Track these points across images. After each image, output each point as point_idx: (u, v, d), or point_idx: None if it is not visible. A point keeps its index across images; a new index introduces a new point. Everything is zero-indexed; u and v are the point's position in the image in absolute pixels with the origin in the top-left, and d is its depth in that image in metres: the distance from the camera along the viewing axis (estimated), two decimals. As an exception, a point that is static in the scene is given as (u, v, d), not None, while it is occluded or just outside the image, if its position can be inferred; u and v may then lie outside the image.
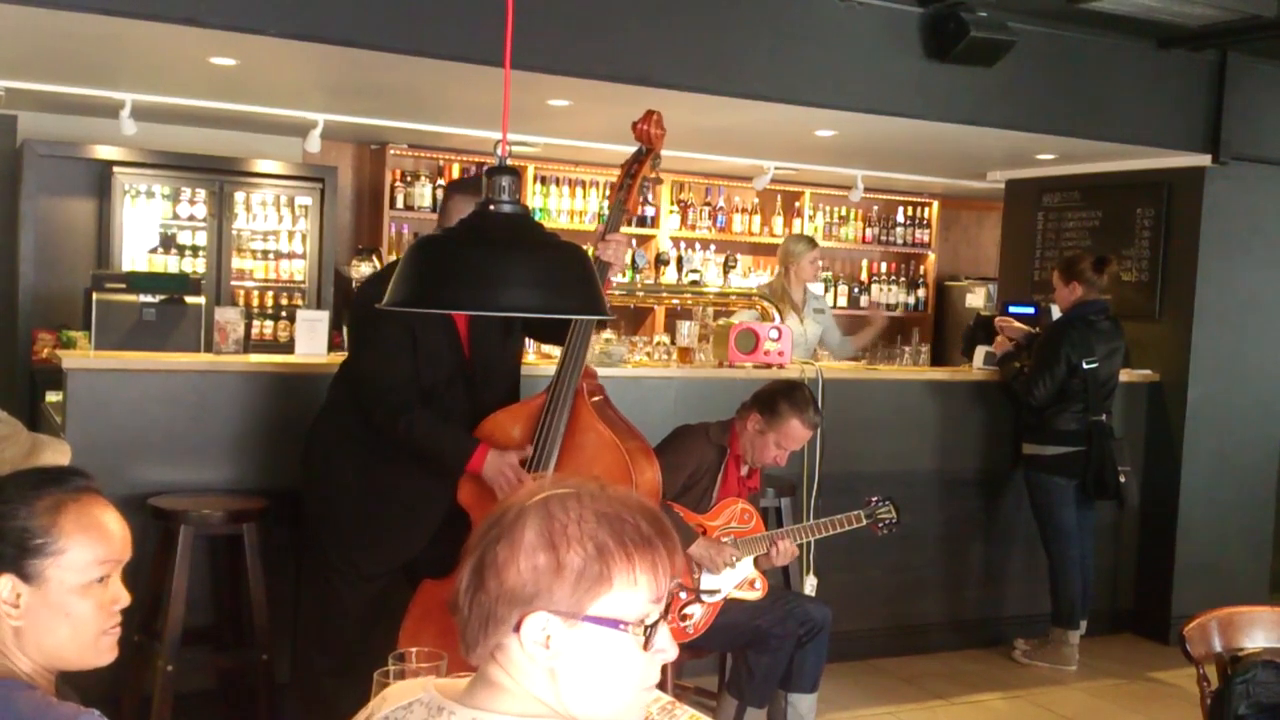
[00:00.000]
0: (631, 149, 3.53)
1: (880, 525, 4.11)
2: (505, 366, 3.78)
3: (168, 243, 6.90)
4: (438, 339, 3.55)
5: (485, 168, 7.53)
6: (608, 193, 7.46)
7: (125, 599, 1.78)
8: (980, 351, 5.89)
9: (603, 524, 1.43)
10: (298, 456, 3.87)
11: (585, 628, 1.41)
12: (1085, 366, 5.42)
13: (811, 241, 6.09)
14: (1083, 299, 5.50)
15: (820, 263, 6.54)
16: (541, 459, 3.40)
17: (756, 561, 4.02)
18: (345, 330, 3.74)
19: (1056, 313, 5.90)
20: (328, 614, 3.74)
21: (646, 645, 1.43)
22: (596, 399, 3.53)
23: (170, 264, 6.86)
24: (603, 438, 3.41)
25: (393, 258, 6.51)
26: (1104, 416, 5.52)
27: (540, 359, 4.77)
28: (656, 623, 1.44)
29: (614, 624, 1.41)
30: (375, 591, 3.70)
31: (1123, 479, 5.49)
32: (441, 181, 7.44)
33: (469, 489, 3.53)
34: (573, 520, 1.42)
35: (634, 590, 1.42)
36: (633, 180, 3.45)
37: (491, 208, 1.93)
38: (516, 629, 1.41)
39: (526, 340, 4.08)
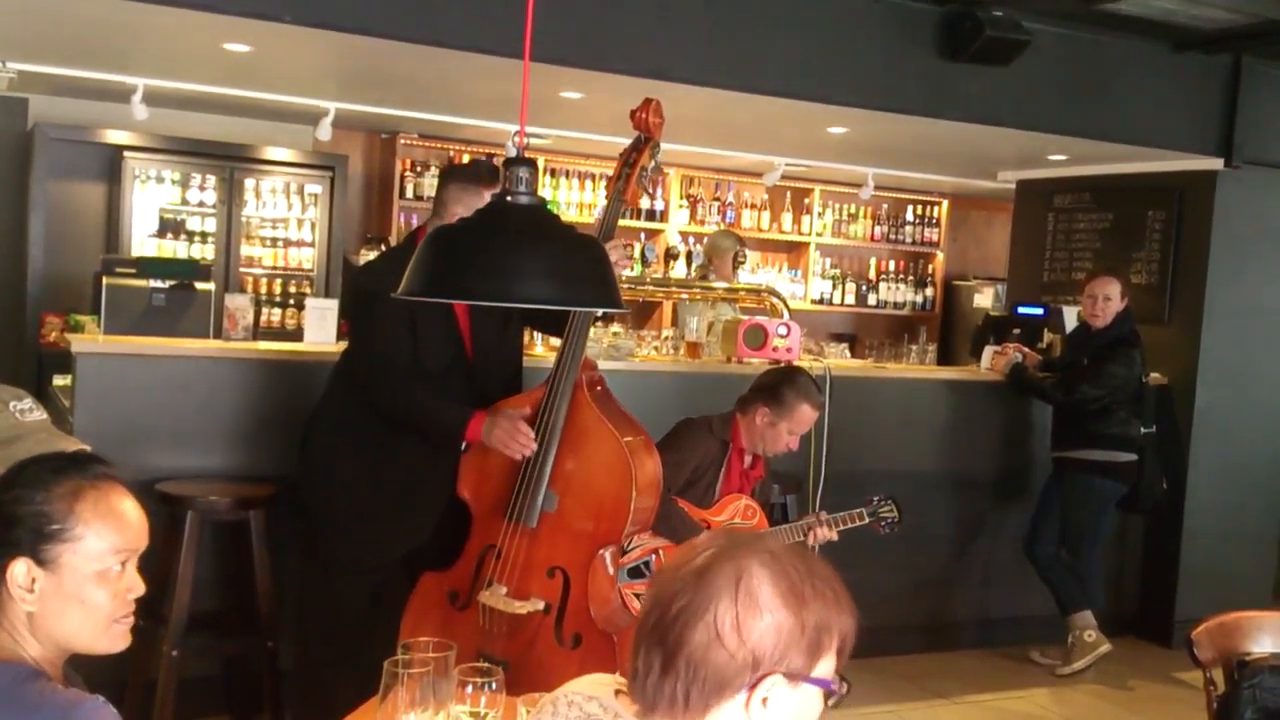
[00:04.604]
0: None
1: (882, 524, 4.11)
2: (505, 356, 3.76)
3: (176, 228, 6.90)
4: (437, 328, 3.53)
5: (492, 158, 7.51)
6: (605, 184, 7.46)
7: (140, 588, 1.78)
8: (988, 352, 5.87)
9: (823, 584, 1.40)
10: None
11: (805, 688, 1.37)
12: (1143, 379, 5.47)
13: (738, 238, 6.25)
14: (1126, 310, 5.45)
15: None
16: (542, 452, 3.38)
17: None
18: (348, 319, 3.73)
19: (1070, 316, 5.89)
20: (329, 606, 3.72)
21: (828, 702, 1.40)
22: (596, 389, 3.50)
23: (179, 249, 6.88)
24: (603, 430, 3.38)
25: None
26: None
27: (549, 349, 4.76)
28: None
29: (826, 684, 1.38)
30: (377, 584, 3.69)
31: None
32: (452, 172, 7.44)
33: (470, 481, 3.52)
34: (801, 577, 1.38)
35: (834, 649, 1.40)
36: (631, 170, 3.40)
37: (509, 199, 1.93)
38: (751, 688, 1.35)
39: (535, 331, 4.05)
